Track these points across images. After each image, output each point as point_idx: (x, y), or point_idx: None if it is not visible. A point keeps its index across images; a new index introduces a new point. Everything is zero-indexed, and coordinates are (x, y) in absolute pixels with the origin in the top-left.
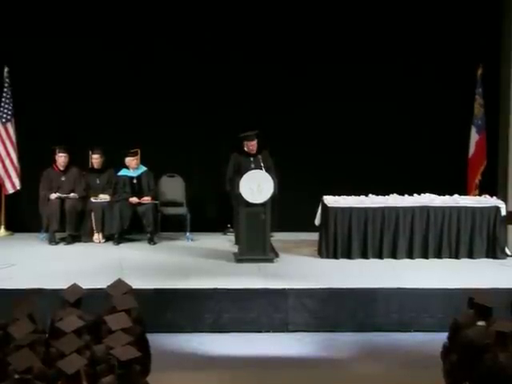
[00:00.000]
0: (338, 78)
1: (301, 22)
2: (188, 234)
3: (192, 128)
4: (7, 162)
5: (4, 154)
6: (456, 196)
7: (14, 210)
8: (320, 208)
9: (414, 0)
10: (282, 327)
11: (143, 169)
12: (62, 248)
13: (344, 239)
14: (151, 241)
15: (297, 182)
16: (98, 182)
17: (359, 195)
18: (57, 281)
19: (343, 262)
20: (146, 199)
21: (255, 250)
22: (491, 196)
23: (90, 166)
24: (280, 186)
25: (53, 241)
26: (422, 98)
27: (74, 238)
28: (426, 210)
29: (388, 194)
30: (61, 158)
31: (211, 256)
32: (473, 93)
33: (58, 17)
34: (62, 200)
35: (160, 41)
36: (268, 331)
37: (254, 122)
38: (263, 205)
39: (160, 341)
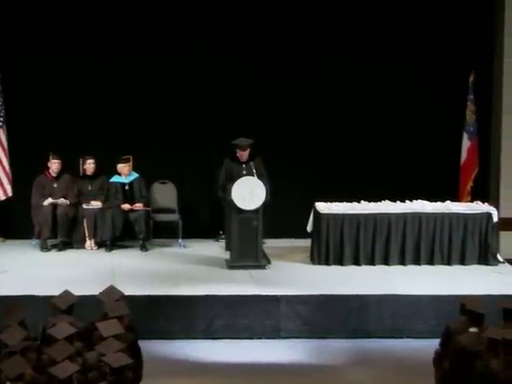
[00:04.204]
0: (331, 84)
1: (296, 30)
2: (180, 240)
3: (184, 134)
4: None
5: None
6: (448, 202)
7: (6, 217)
8: (312, 214)
9: (407, 7)
10: (274, 334)
11: (135, 175)
12: (53, 255)
13: (336, 246)
14: (143, 247)
15: (289, 189)
16: (90, 188)
17: (351, 202)
18: (49, 287)
19: (335, 269)
20: (138, 206)
21: (247, 256)
22: (483, 202)
23: (82, 172)
24: (272, 192)
25: (45, 247)
26: (414, 105)
27: (65, 245)
28: (418, 216)
29: (380, 201)
30: (54, 165)
31: (203, 262)
32: (465, 99)
33: (50, 23)
34: (54, 206)
35: (152, 48)
36: (260, 338)
37: (246, 128)
38: (255, 211)
39: (152, 347)
